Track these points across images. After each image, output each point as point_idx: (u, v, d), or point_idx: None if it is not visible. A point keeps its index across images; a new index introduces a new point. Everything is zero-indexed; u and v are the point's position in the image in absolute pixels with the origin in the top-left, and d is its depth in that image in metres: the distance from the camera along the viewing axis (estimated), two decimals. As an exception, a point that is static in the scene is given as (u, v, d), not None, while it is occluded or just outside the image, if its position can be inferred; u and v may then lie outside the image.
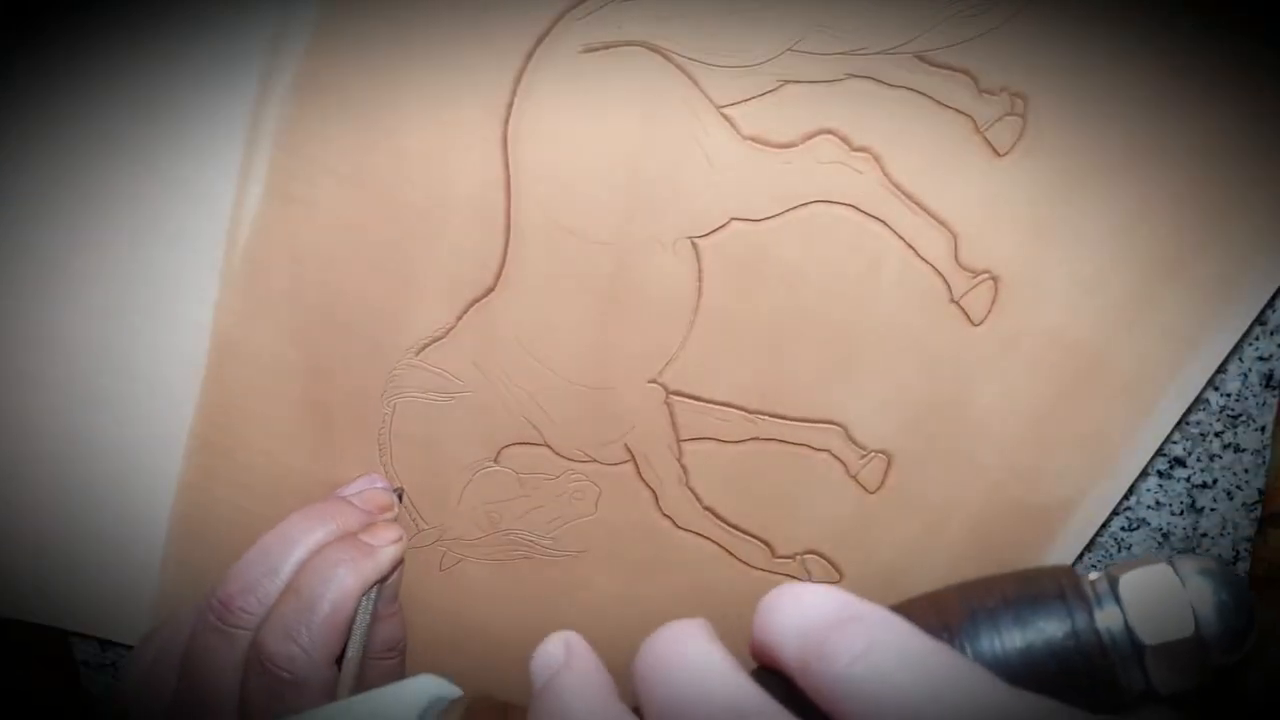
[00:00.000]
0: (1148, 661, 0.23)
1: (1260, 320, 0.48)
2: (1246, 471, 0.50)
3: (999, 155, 0.41)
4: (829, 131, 0.41)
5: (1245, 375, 0.49)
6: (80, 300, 0.44)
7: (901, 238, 0.43)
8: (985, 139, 0.41)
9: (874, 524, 0.48)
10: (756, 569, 0.49)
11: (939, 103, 0.41)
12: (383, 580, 0.42)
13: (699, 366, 0.45)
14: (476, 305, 0.44)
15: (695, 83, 0.40)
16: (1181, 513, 0.51)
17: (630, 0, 0.40)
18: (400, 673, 0.45)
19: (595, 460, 0.47)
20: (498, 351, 0.45)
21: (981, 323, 0.44)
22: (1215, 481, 0.51)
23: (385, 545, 0.42)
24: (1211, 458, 0.51)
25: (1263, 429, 0.50)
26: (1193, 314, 0.43)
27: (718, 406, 0.46)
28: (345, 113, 0.41)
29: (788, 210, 0.42)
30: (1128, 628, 0.23)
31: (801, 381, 0.45)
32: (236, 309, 0.44)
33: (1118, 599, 0.24)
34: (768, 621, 0.24)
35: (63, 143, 0.42)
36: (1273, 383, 0.50)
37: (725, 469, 0.47)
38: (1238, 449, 0.50)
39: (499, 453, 0.47)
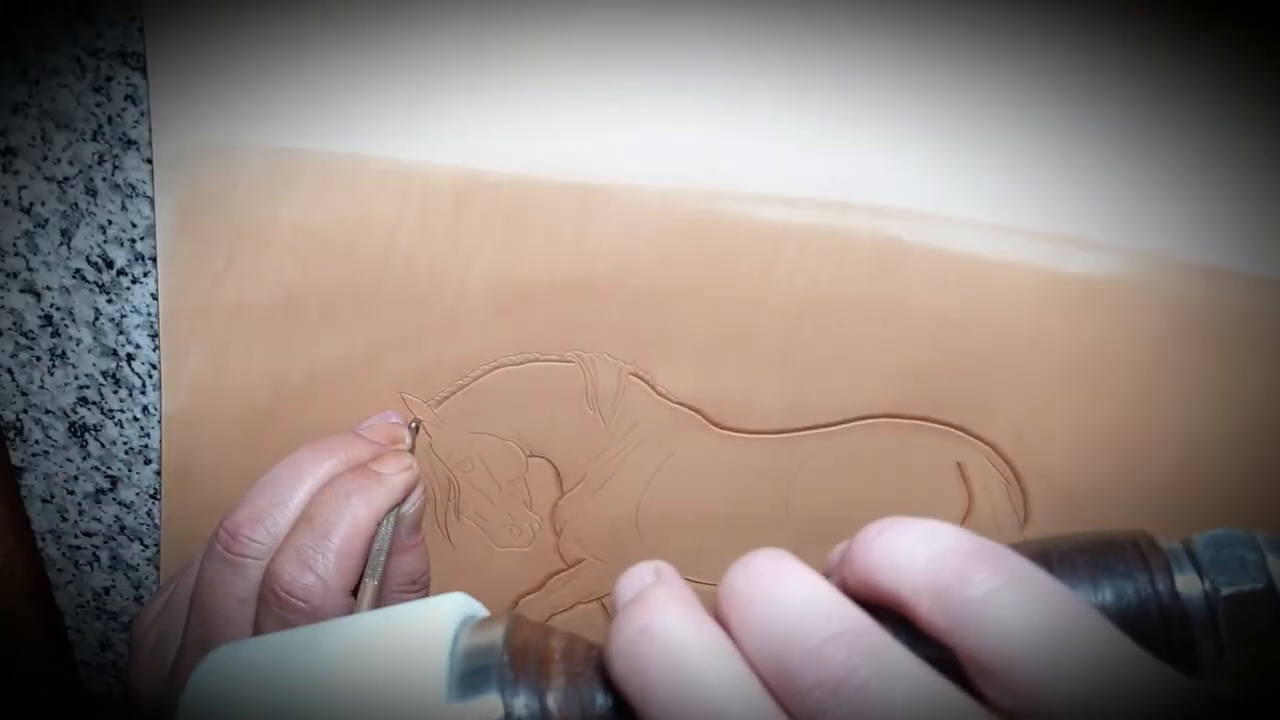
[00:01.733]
0: (1221, 618, 0.23)
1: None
2: None
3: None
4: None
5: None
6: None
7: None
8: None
9: None
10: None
11: None
12: (398, 507, 0.40)
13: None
14: (698, 416, 0.46)
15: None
16: None
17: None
18: None
19: (558, 538, 0.48)
20: (653, 441, 0.46)
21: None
22: None
23: (395, 473, 0.41)
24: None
25: None
26: None
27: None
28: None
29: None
30: (1204, 584, 0.23)
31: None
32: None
33: (1194, 560, 0.24)
34: (886, 546, 0.23)
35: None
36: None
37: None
38: None
39: (537, 456, 0.47)
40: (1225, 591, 0.23)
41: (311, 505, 0.38)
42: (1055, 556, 0.24)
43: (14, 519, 0.48)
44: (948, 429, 0.46)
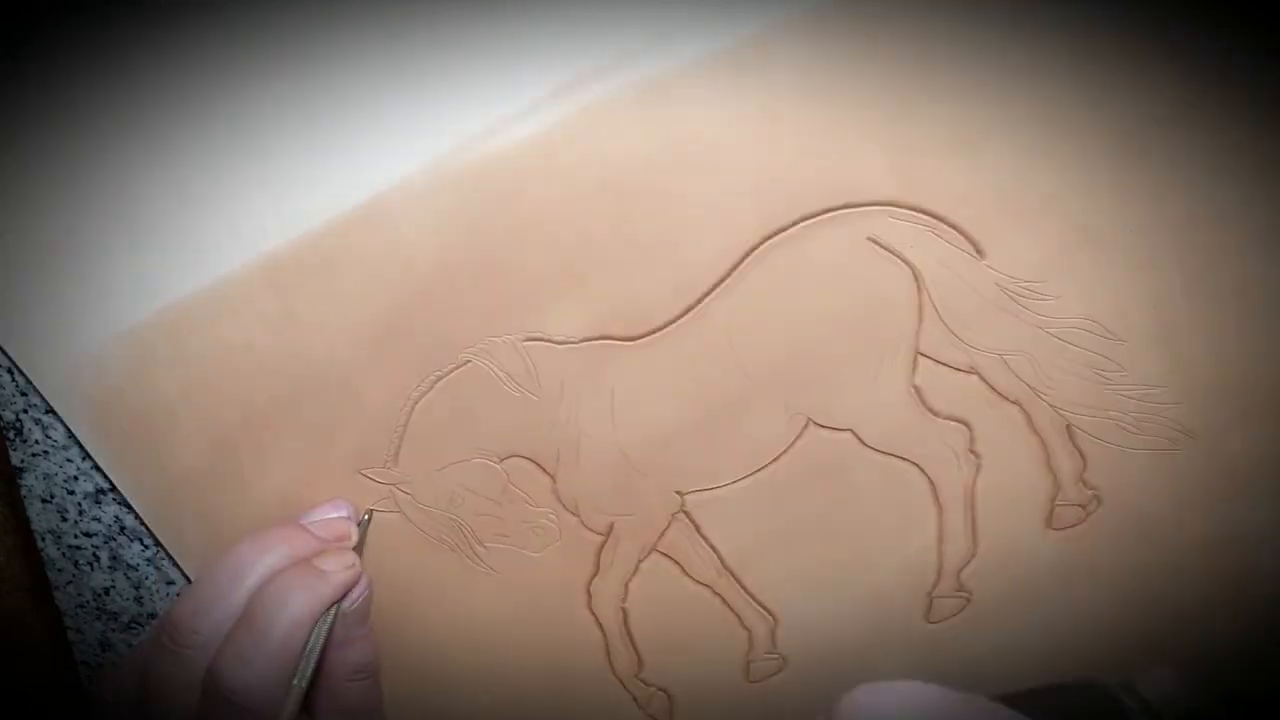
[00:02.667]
0: None
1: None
2: None
3: (1050, 527, 0.48)
4: (966, 424, 0.46)
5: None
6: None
7: (940, 530, 0.48)
8: (1053, 509, 0.47)
9: (735, 704, 0.52)
10: (615, 676, 0.51)
11: (1049, 462, 0.46)
12: (337, 604, 0.42)
13: (721, 507, 0.48)
14: (608, 344, 0.45)
15: (921, 319, 0.45)
16: None
17: (937, 236, 0.43)
18: (374, 694, 0.45)
19: (578, 516, 0.48)
20: (590, 387, 0.46)
21: (936, 622, 0.50)
22: None
23: (337, 570, 0.42)
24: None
25: None
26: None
27: (705, 545, 0.49)
28: (640, 127, 0.42)
29: (891, 454, 0.47)
30: None
31: (780, 571, 0.49)
32: (416, 195, 0.43)
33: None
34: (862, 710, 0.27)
35: None
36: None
37: (665, 590, 0.49)
38: None
39: (506, 458, 0.47)
40: None
41: (253, 602, 0.40)
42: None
43: (14, 519, 0.50)
44: (831, 214, 0.43)
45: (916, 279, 0.44)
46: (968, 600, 0.49)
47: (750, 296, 0.44)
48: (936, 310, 0.44)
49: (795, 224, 0.43)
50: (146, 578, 0.51)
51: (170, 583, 0.51)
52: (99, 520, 0.50)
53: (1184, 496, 0.47)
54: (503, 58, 0.42)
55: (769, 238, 0.43)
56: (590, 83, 0.42)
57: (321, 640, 0.41)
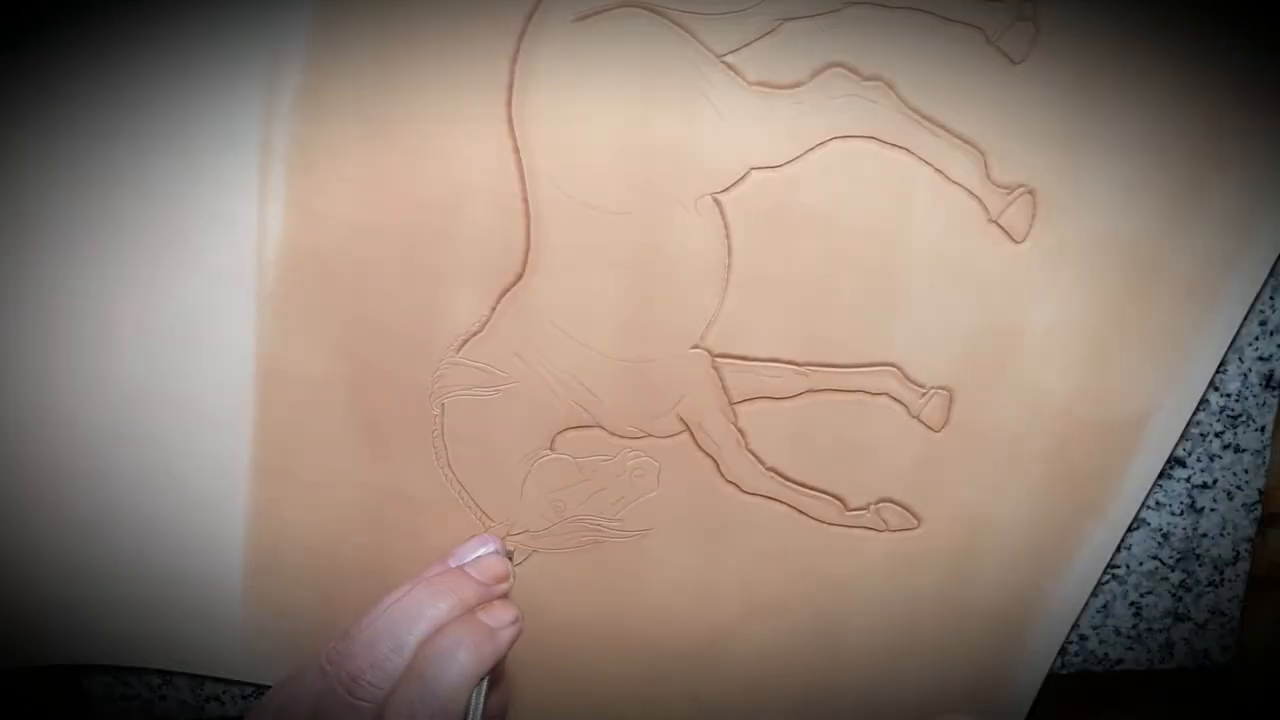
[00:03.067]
0: None
1: (1261, 321, 0.47)
2: (1246, 472, 0.50)
3: (1015, 63, 0.40)
4: (837, 64, 0.40)
5: (1245, 376, 0.48)
6: (125, 344, 0.45)
7: (928, 163, 0.41)
8: (999, 49, 0.40)
9: (946, 464, 0.47)
10: (831, 524, 0.48)
11: (945, 18, 0.39)
12: (501, 662, 0.43)
13: (740, 326, 0.45)
14: (508, 294, 0.44)
15: (693, 35, 0.40)
16: (1181, 513, 0.50)
17: (615, -38, 0.39)
18: None
19: (650, 435, 0.46)
20: (536, 337, 0.45)
21: (1024, 240, 0.43)
22: (1215, 482, 0.50)
23: (504, 627, 0.42)
24: (1211, 458, 0.50)
25: (1263, 429, 0.49)
26: (1247, 200, 0.42)
27: (765, 363, 0.45)
28: (352, 119, 0.41)
29: (806, 151, 0.41)
30: None
31: (847, 327, 0.44)
32: (275, 331, 0.45)
33: None
34: None
35: (85, 182, 0.43)
36: (1273, 383, 0.48)
37: (783, 427, 0.46)
38: (1238, 449, 0.49)
39: (553, 439, 0.47)
40: None
41: (420, 657, 0.40)
42: None
43: None
44: None
45: (644, 7, 0.40)
46: (1029, 191, 0.42)
47: (551, 157, 0.42)
48: (688, 11, 0.40)
49: (510, 72, 0.41)
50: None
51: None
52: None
53: None
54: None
55: (508, 102, 0.42)
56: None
57: (484, 696, 0.41)
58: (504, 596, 0.44)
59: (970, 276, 0.43)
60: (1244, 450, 0.49)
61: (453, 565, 0.45)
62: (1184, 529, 0.51)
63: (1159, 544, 0.51)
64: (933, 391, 0.45)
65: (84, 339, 0.45)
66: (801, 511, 0.48)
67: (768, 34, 0.40)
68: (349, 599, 0.49)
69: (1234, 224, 0.42)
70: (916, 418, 0.46)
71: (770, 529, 0.48)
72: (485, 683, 0.41)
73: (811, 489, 0.47)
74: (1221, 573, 0.52)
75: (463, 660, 0.40)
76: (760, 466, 0.47)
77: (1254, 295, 0.43)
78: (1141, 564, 0.51)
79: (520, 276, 0.44)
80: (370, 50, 0.41)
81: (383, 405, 0.46)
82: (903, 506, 0.48)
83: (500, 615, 0.42)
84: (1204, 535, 0.51)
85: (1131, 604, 0.52)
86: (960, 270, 0.43)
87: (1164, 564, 0.51)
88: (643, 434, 0.46)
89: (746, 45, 0.40)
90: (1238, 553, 0.52)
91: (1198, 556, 0.52)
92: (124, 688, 0.55)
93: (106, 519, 0.48)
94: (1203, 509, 0.51)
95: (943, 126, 0.41)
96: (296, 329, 0.45)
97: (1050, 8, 0.39)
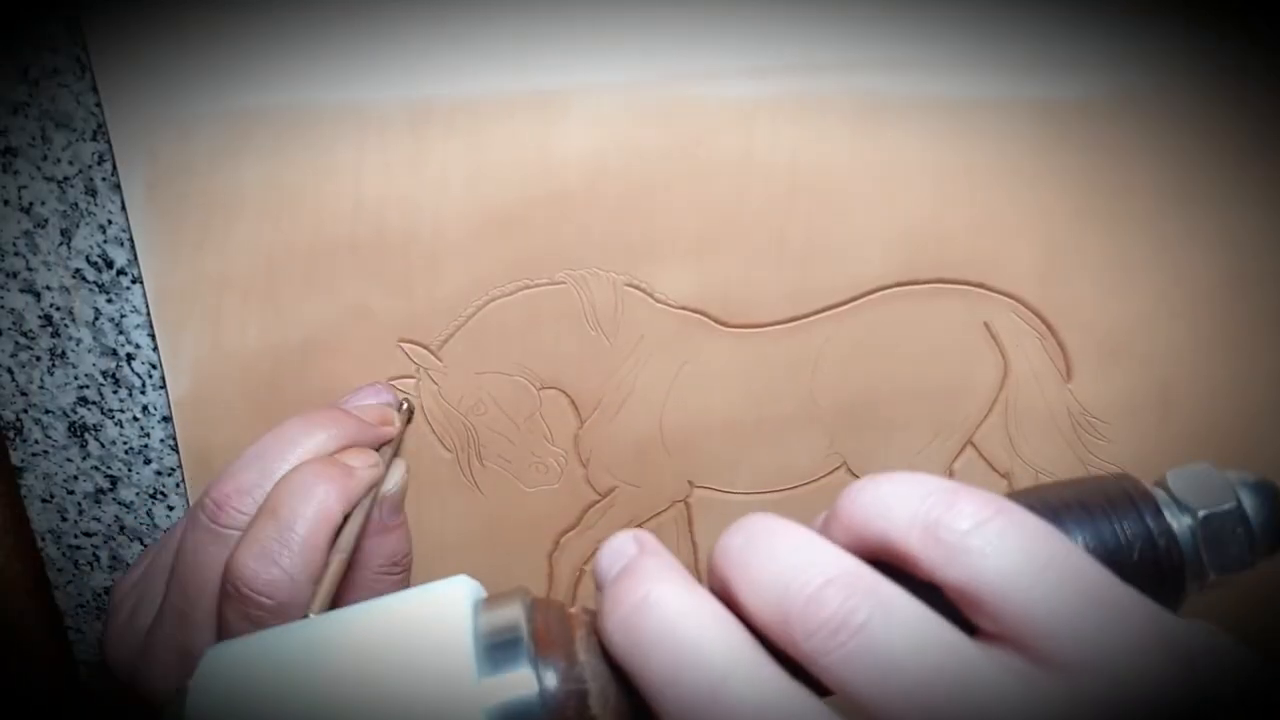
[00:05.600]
0: (1201, 541, 0.25)
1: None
2: None
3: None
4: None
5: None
6: None
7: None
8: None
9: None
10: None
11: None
12: (375, 491, 0.40)
13: (719, 512, 0.47)
14: (703, 319, 0.45)
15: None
16: None
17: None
18: (405, 587, 0.41)
19: (585, 469, 0.47)
20: (664, 355, 0.45)
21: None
22: None
23: (364, 467, 0.39)
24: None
25: None
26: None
27: (690, 543, 0.48)
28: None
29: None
30: (1196, 546, 0.25)
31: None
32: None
33: (1172, 494, 0.26)
34: (874, 493, 0.24)
35: None
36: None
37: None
38: None
39: (548, 388, 0.46)
40: (1207, 531, 0.25)
41: (275, 495, 0.37)
42: (1044, 504, 0.25)
43: (14, 519, 0.48)
44: (966, 287, 0.44)
45: (1006, 375, 0.45)
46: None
47: (854, 331, 0.45)
48: (1006, 410, 0.46)
49: (930, 282, 0.44)
50: (147, 578, 0.50)
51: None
52: (99, 520, 0.49)
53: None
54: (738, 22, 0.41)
55: (901, 285, 0.44)
56: (811, 74, 0.41)
57: (355, 534, 0.38)
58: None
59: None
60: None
61: (336, 405, 0.43)
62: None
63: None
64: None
65: None
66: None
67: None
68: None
69: None
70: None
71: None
72: (360, 516, 0.39)
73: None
74: None
75: (320, 495, 0.37)
76: (580, 564, 0.49)
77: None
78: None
79: (728, 328, 0.45)
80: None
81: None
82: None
83: (360, 458, 0.40)
84: None
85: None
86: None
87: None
88: (585, 463, 0.47)
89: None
90: None
91: None
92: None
93: None
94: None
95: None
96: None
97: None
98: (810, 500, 0.46)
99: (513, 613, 0.26)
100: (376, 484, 0.40)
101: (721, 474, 0.47)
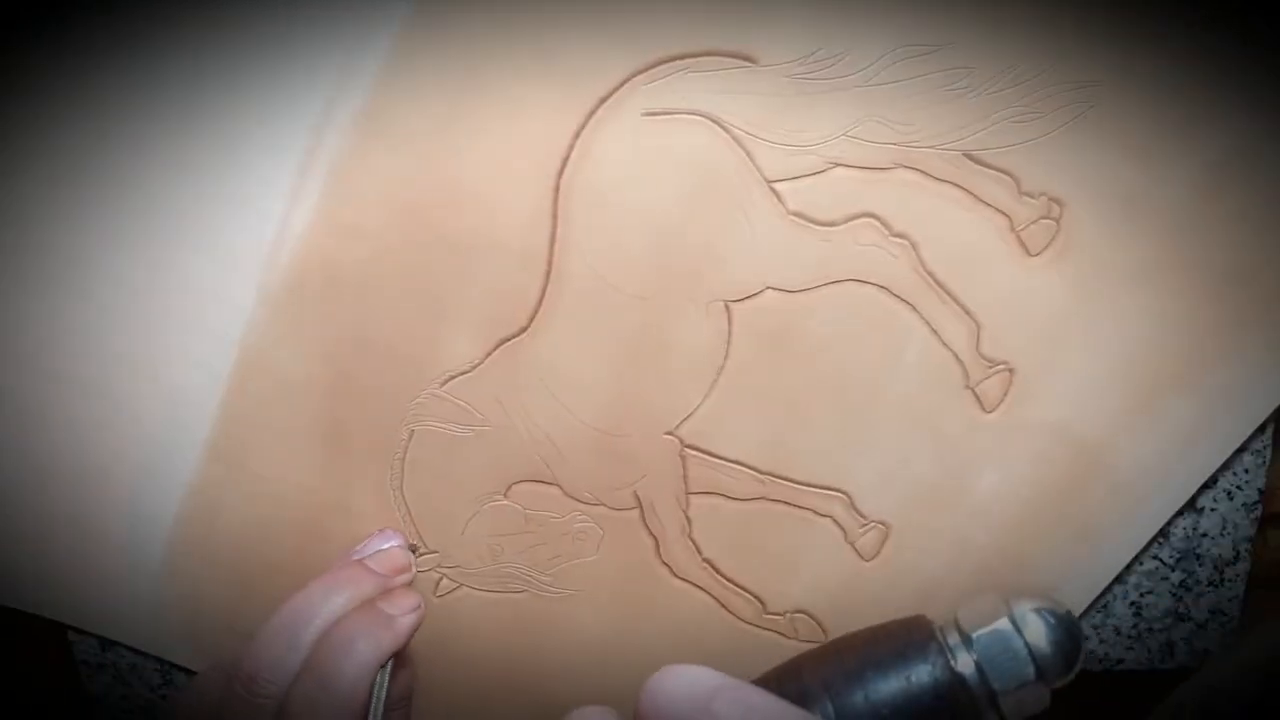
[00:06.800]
0: (1000, 702, 0.28)
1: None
2: (1247, 472, 0.51)
3: (1030, 255, 0.43)
4: (871, 215, 0.43)
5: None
6: (112, 301, 0.44)
7: (927, 322, 0.44)
8: (1019, 238, 0.43)
9: (864, 591, 0.49)
10: (745, 623, 0.50)
11: (979, 199, 0.42)
12: (401, 650, 0.42)
13: (716, 424, 0.46)
14: (507, 345, 0.45)
15: (749, 156, 0.42)
16: (1181, 512, 0.51)
17: (696, 73, 0.41)
18: (408, 717, 0.46)
19: (603, 504, 0.48)
20: (522, 390, 0.46)
21: (993, 410, 0.46)
22: (1215, 481, 0.51)
23: (404, 614, 0.42)
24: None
25: (1263, 429, 0.49)
26: (1194, 422, 0.45)
27: (730, 464, 0.47)
28: (404, 146, 0.42)
29: (821, 285, 0.44)
30: (982, 676, 0.28)
31: (813, 448, 0.47)
32: (267, 326, 0.44)
33: (959, 626, 0.28)
34: (660, 688, 0.28)
35: (115, 140, 0.42)
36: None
37: (729, 524, 0.48)
38: (1238, 449, 0.49)
39: (509, 488, 0.48)
40: (1000, 689, 0.29)
41: (318, 652, 0.40)
42: (848, 661, 0.29)
43: None
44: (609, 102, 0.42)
45: (713, 120, 0.42)
46: (1009, 370, 0.45)
47: (585, 230, 0.43)
48: (752, 135, 0.42)
49: (570, 145, 0.42)
50: (146, 578, 0.53)
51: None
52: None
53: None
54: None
55: (560, 171, 0.43)
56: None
57: (386, 685, 0.41)
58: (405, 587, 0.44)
59: (935, 431, 0.46)
60: (1244, 450, 0.50)
61: (354, 560, 0.45)
62: (1184, 529, 0.52)
63: (1159, 544, 0.52)
64: (873, 524, 0.48)
65: (70, 284, 0.44)
66: (723, 605, 0.50)
67: (817, 173, 0.42)
68: (265, 597, 0.48)
69: (1175, 445, 0.46)
70: (852, 545, 0.48)
71: (689, 616, 0.50)
72: (388, 670, 0.41)
73: (738, 586, 0.49)
74: (1221, 573, 0.53)
75: (361, 650, 0.40)
76: (697, 555, 0.49)
77: (1176, 508, 0.47)
78: (1141, 563, 0.52)
79: (524, 330, 0.45)
80: (442, 87, 0.41)
81: (352, 418, 0.46)
82: (816, 621, 0.50)
83: (400, 602, 0.43)
84: (1204, 535, 0.52)
85: (1131, 604, 0.53)
86: (928, 423, 0.46)
87: (1164, 564, 0.52)
88: (596, 501, 0.48)
89: (795, 178, 0.42)
90: (1238, 553, 0.52)
91: (1198, 556, 0.52)
92: (124, 688, 0.54)
93: (46, 463, 0.47)
94: (1203, 509, 0.51)
95: (950, 294, 0.43)
96: (288, 329, 0.44)
97: (1076, 215, 0.42)
98: (750, 352, 0.45)
99: None
100: (417, 627, 0.43)
101: (672, 407, 0.46)
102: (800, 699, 0.27)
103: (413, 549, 0.47)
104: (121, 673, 0.54)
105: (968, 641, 0.28)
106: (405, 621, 0.42)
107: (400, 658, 0.44)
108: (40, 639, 0.55)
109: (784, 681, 0.29)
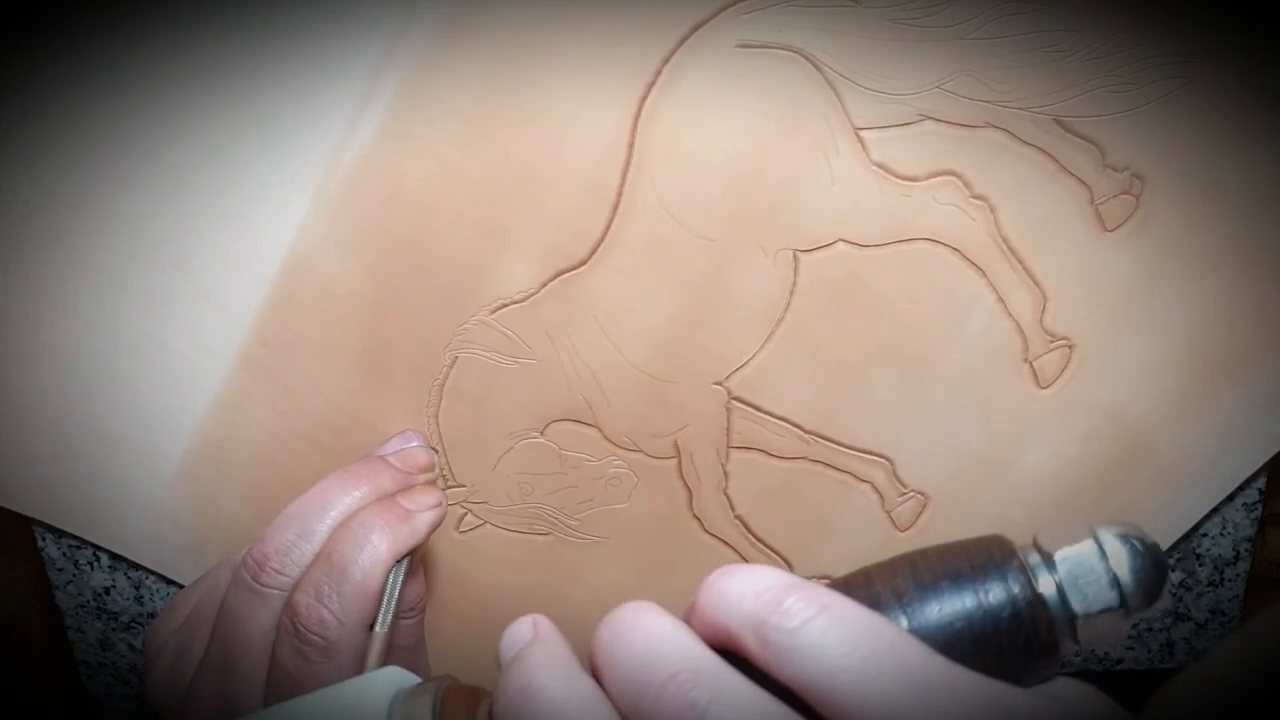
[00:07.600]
0: (1079, 627, 0.26)
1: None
2: None
3: (1106, 230, 0.42)
4: (954, 174, 0.42)
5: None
6: (156, 189, 0.42)
7: (995, 289, 0.43)
8: (1098, 211, 0.42)
9: (895, 561, 0.48)
10: (770, 585, 0.49)
11: (1063, 168, 0.42)
12: (417, 549, 0.41)
13: (767, 378, 0.45)
14: (564, 277, 0.43)
15: (839, 98, 0.41)
16: None
17: (797, 6, 0.40)
18: (420, 632, 0.44)
19: (641, 450, 0.47)
20: (574, 325, 0.44)
21: (1048, 386, 0.45)
22: None
23: (423, 510, 0.40)
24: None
25: None
26: (1245, 414, 0.45)
27: (776, 420, 0.46)
28: (485, 60, 0.40)
29: (895, 242, 0.43)
30: (1062, 598, 0.26)
31: (863, 411, 0.46)
32: (321, 233, 0.42)
33: (1039, 546, 0.27)
34: (720, 589, 0.26)
35: (177, 22, 0.40)
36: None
37: (766, 482, 0.47)
38: None
39: (547, 426, 0.46)
40: (1081, 612, 0.26)
41: (332, 540, 0.39)
42: (923, 572, 0.27)
43: (14, 519, 0.49)
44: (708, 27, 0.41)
45: (808, 59, 0.41)
46: (1069, 346, 0.44)
47: (660, 162, 0.42)
48: (845, 77, 0.41)
49: (658, 71, 0.41)
50: (146, 577, 0.51)
51: (170, 582, 0.51)
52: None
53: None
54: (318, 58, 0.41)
55: (642, 98, 0.41)
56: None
57: (398, 588, 0.39)
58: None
59: (987, 402, 0.45)
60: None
61: (374, 455, 0.44)
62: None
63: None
64: (912, 494, 0.47)
65: (118, 171, 0.42)
66: (749, 563, 0.49)
67: (906, 124, 0.41)
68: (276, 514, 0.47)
69: (1223, 438, 0.46)
70: (888, 513, 0.47)
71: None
72: (403, 567, 0.40)
73: (767, 546, 0.48)
74: (1221, 573, 0.53)
75: (375, 542, 0.39)
76: (730, 512, 0.48)
77: (1216, 501, 0.47)
78: (1142, 563, 0.51)
79: (584, 263, 0.43)
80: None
81: (395, 338, 0.44)
82: (841, 588, 0.49)
83: (420, 499, 0.41)
84: (1204, 535, 0.52)
85: (1132, 603, 0.52)
86: (981, 394, 0.45)
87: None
88: (634, 447, 0.46)
89: (882, 127, 0.41)
90: (1238, 553, 0.52)
91: (1198, 556, 0.52)
92: (124, 688, 0.52)
93: (71, 358, 0.44)
94: (1203, 508, 0.51)
95: (1021, 262, 0.43)
96: (342, 237, 0.42)
97: (1156, 192, 0.42)
98: (812, 305, 0.44)
99: (424, 701, 0.29)
100: (437, 526, 0.41)
101: (726, 355, 0.45)
102: (871, 605, 0.26)
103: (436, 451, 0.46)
104: (121, 673, 0.53)
105: (1049, 563, 0.26)
106: (425, 518, 0.40)
107: (416, 563, 0.42)
108: (40, 639, 0.54)
109: (852, 588, 0.27)
